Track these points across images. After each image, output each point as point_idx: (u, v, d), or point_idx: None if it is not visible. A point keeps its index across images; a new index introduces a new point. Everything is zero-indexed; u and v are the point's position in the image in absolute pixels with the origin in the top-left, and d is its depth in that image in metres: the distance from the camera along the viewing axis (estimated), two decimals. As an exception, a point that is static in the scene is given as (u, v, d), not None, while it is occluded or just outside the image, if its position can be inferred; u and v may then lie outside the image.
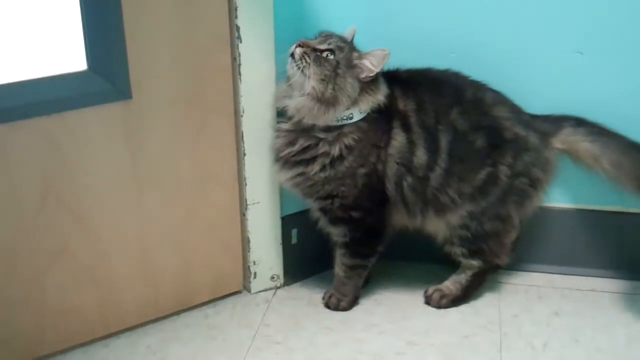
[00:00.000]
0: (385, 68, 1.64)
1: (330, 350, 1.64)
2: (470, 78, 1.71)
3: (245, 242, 1.79)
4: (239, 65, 1.63)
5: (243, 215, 1.76)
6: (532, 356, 1.62)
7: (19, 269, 1.51)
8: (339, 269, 1.75)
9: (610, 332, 1.69)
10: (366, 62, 1.61)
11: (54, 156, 1.47)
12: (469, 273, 1.77)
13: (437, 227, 1.72)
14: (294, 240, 1.85)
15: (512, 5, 1.72)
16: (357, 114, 1.61)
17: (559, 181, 1.79)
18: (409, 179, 1.65)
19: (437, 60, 1.73)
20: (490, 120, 1.67)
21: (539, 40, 1.74)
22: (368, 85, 1.61)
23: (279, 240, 1.82)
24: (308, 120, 1.60)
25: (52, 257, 1.54)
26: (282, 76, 1.66)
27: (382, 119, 1.63)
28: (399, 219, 1.71)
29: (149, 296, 1.69)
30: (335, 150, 1.61)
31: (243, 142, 1.69)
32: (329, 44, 1.60)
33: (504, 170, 1.66)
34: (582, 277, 1.89)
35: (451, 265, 1.79)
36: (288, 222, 1.82)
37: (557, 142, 1.72)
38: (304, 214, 1.78)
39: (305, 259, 1.87)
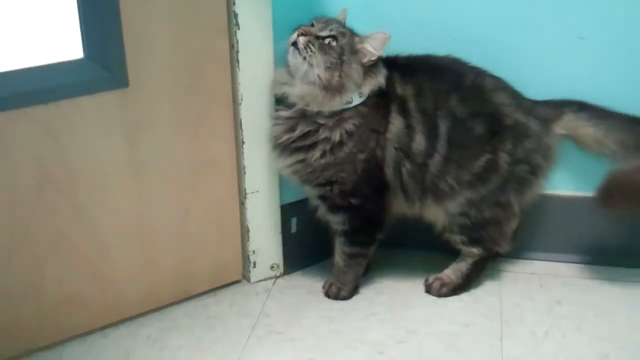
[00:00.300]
0: (385, 54, 1.63)
1: (331, 339, 1.64)
2: (471, 64, 1.70)
3: (244, 231, 1.78)
4: (237, 52, 1.61)
5: (242, 204, 1.75)
6: (533, 345, 1.61)
7: (17, 259, 1.50)
8: (338, 258, 1.74)
9: (612, 320, 1.68)
10: (368, 46, 1.60)
11: (50, 145, 1.46)
12: (470, 261, 1.76)
13: (436, 214, 1.71)
14: (293, 229, 1.84)
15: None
16: (356, 98, 1.60)
17: (560, 168, 1.78)
18: (408, 165, 1.63)
19: (438, 46, 1.72)
20: (489, 107, 1.66)
21: (541, 25, 1.72)
22: (369, 68, 1.61)
23: (279, 229, 1.81)
24: (313, 108, 1.58)
25: (50, 247, 1.53)
26: (279, 62, 1.64)
27: (381, 103, 1.62)
28: (398, 206, 1.70)
29: (148, 286, 1.69)
30: (336, 136, 1.60)
31: (242, 131, 1.68)
32: (331, 30, 1.59)
33: (503, 157, 1.65)
34: (583, 264, 1.88)
35: (452, 253, 1.78)
36: (287, 210, 1.81)
37: (559, 128, 1.71)
38: (303, 202, 1.77)
39: (305, 247, 1.86)
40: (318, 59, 1.55)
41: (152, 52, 1.52)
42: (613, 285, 1.81)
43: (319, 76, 1.55)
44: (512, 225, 1.76)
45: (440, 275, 1.78)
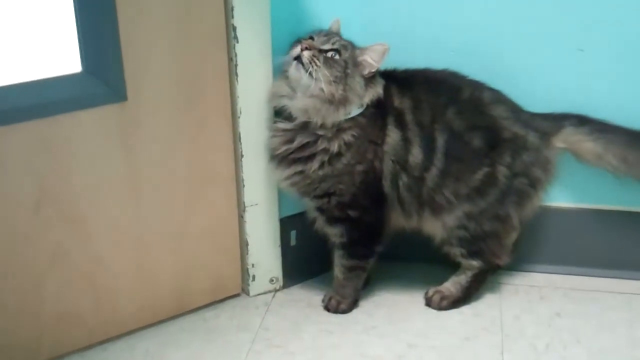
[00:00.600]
0: (383, 67, 1.63)
1: (330, 353, 1.63)
2: (468, 77, 1.70)
3: (243, 245, 1.77)
4: (236, 65, 1.61)
5: (241, 217, 1.75)
6: (534, 358, 1.60)
7: (15, 273, 1.50)
8: (337, 271, 1.74)
9: (612, 333, 1.68)
10: (367, 58, 1.60)
11: (49, 160, 1.46)
12: (469, 274, 1.75)
13: (434, 227, 1.71)
14: (292, 242, 1.83)
15: (512, 2, 1.71)
16: (355, 109, 1.60)
17: (560, 180, 1.78)
18: (405, 178, 1.63)
19: (436, 58, 1.72)
20: (487, 120, 1.65)
21: (540, 37, 1.73)
22: (369, 80, 1.61)
23: (278, 242, 1.81)
24: (316, 120, 1.58)
25: (48, 262, 1.52)
26: (276, 73, 1.64)
27: (379, 115, 1.62)
28: (395, 219, 1.69)
29: (146, 300, 1.68)
30: (334, 147, 1.59)
31: (241, 144, 1.67)
32: (333, 43, 1.59)
33: (502, 171, 1.65)
34: (583, 277, 1.87)
35: (452, 266, 1.77)
36: (287, 223, 1.81)
37: (558, 142, 1.71)
38: (302, 215, 1.77)
39: (304, 260, 1.86)
40: (324, 73, 1.55)
41: (150, 65, 1.52)
42: (613, 297, 1.80)
43: (322, 90, 1.55)
44: (512, 237, 1.76)
45: (440, 288, 1.78)
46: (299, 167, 1.62)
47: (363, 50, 1.61)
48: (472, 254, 1.71)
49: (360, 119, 1.61)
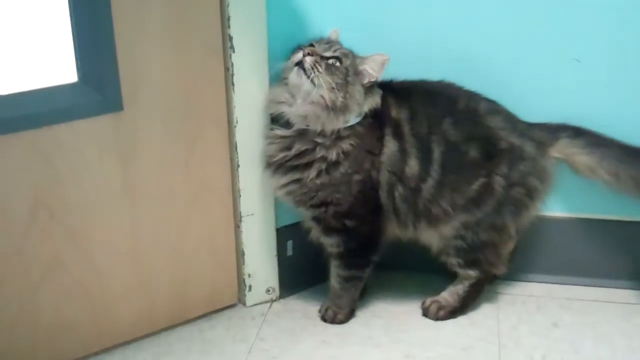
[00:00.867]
0: (380, 78, 1.63)
1: (327, 363, 1.63)
2: (465, 88, 1.70)
3: (239, 255, 1.77)
4: (232, 75, 1.61)
5: (237, 227, 1.74)
6: (531, 368, 1.61)
7: (10, 284, 1.49)
8: (334, 281, 1.73)
9: (610, 343, 1.67)
10: (367, 68, 1.61)
11: (44, 170, 1.46)
12: (467, 283, 1.75)
13: (431, 238, 1.71)
14: (289, 252, 1.83)
15: (508, 11, 1.71)
16: (353, 118, 1.60)
17: (557, 190, 1.78)
18: (401, 189, 1.63)
19: (432, 68, 1.72)
20: (483, 130, 1.66)
21: (536, 47, 1.73)
22: (368, 89, 1.62)
23: (274, 253, 1.80)
24: (315, 127, 1.58)
25: (44, 272, 1.52)
26: (273, 81, 1.64)
27: (376, 125, 1.62)
28: (391, 229, 1.69)
29: (143, 310, 1.67)
30: (332, 155, 1.59)
31: (237, 153, 1.67)
32: (335, 51, 1.59)
33: (498, 181, 1.65)
34: (581, 286, 1.87)
35: (449, 275, 1.77)
36: (283, 233, 1.80)
37: (554, 152, 1.71)
38: (299, 225, 1.77)
39: (301, 271, 1.85)
40: (325, 79, 1.55)
41: (146, 75, 1.52)
42: (610, 306, 1.80)
43: (323, 97, 1.55)
44: (509, 247, 1.76)
45: (437, 298, 1.77)
46: (296, 175, 1.62)
47: (363, 59, 1.61)
48: (469, 264, 1.71)
49: (358, 128, 1.61)
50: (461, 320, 1.76)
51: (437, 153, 1.63)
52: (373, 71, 1.60)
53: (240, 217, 1.72)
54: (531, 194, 1.69)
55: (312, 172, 1.60)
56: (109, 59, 1.47)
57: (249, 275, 1.78)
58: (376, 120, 1.62)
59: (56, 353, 1.58)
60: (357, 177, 1.61)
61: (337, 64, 1.57)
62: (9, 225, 1.46)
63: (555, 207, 1.82)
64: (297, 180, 1.62)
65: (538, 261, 1.88)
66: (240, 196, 1.70)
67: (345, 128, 1.59)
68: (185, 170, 1.63)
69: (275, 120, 1.64)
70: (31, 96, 1.43)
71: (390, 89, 1.66)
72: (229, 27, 1.57)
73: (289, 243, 1.82)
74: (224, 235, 1.73)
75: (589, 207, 1.82)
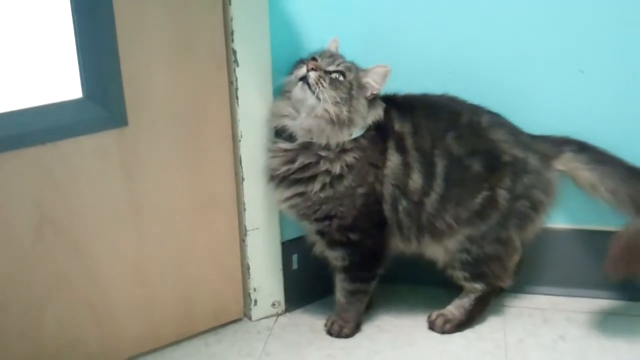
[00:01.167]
0: (383, 92, 1.63)
1: (333, 378, 1.62)
2: (468, 102, 1.70)
3: (245, 269, 1.76)
4: (237, 89, 1.61)
5: (242, 241, 1.74)
6: (538, 381, 1.60)
7: (15, 300, 1.49)
8: (339, 295, 1.73)
9: (617, 356, 1.66)
10: (370, 80, 1.61)
11: (49, 186, 1.46)
12: (473, 297, 1.74)
13: (435, 252, 1.70)
14: (294, 266, 1.83)
15: (512, 23, 1.71)
16: (357, 131, 1.60)
17: (563, 202, 1.77)
18: (404, 203, 1.63)
19: (435, 80, 1.73)
20: (486, 144, 1.65)
21: (540, 58, 1.73)
22: (371, 101, 1.62)
23: (280, 266, 1.80)
24: (320, 141, 1.58)
25: (49, 288, 1.52)
26: (276, 93, 1.65)
27: (380, 138, 1.62)
28: (395, 243, 1.69)
29: (148, 325, 1.67)
30: (337, 169, 1.59)
31: (242, 167, 1.67)
32: (338, 65, 1.59)
33: (502, 194, 1.64)
34: (587, 299, 1.86)
35: (455, 288, 1.76)
36: (288, 247, 1.80)
37: (558, 164, 1.70)
38: (304, 239, 1.76)
39: (306, 284, 1.84)
40: (330, 94, 1.55)
41: (151, 90, 1.52)
42: (617, 319, 1.79)
43: (327, 111, 1.55)
44: (514, 259, 1.75)
45: (443, 311, 1.77)
46: (300, 189, 1.62)
47: (366, 72, 1.62)
48: (475, 277, 1.71)
49: (362, 141, 1.61)
50: (467, 333, 1.75)
51: (440, 167, 1.62)
52: (375, 83, 1.60)
53: (246, 231, 1.72)
54: (536, 207, 1.68)
55: (316, 186, 1.60)
56: (114, 75, 1.47)
57: (255, 289, 1.78)
58: (379, 134, 1.62)
59: (61, 368, 1.58)
60: (361, 190, 1.61)
61: (341, 78, 1.57)
62: (14, 241, 1.46)
63: (561, 219, 1.82)
64: (301, 194, 1.62)
65: (545, 273, 1.87)
66: (245, 210, 1.70)
67: (349, 141, 1.59)
68: (190, 185, 1.63)
69: (279, 133, 1.64)
70: (36, 113, 1.44)
71: (394, 103, 1.66)
72: (232, 41, 1.58)
73: (294, 257, 1.82)
74: (229, 249, 1.73)
75: (595, 219, 1.81)
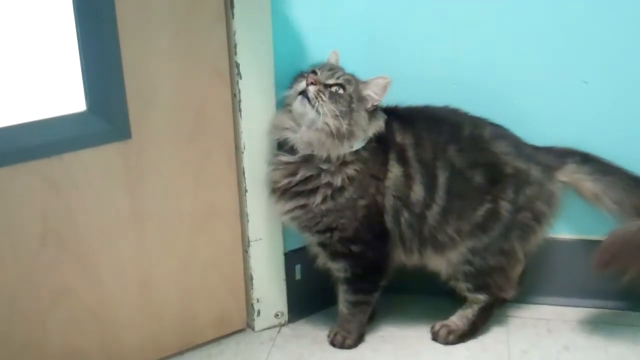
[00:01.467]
0: (385, 104, 1.64)
1: (336, 389, 1.62)
2: (470, 114, 1.70)
3: (248, 280, 1.77)
4: (240, 101, 1.62)
5: (245, 252, 1.75)
6: (541, 393, 1.60)
7: (19, 310, 1.50)
8: (342, 306, 1.73)
9: (621, 367, 1.66)
10: (370, 92, 1.61)
11: (53, 198, 1.47)
12: (476, 307, 1.74)
13: (438, 264, 1.70)
14: (297, 276, 1.83)
15: (515, 34, 1.71)
16: (358, 143, 1.60)
17: (567, 212, 1.77)
18: (406, 215, 1.63)
19: (438, 90, 1.73)
20: (488, 156, 1.65)
21: (544, 69, 1.73)
22: (372, 113, 1.62)
23: (283, 277, 1.80)
24: (321, 154, 1.58)
25: (53, 298, 1.53)
26: (278, 106, 1.65)
27: (381, 150, 1.63)
28: (397, 255, 1.69)
29: (151, 336, 1.68)
30: (338, 181, 1.59)
31: (244, 178, 1.68)
32: (337, 78, 1.59)
33: (504, 206, 1.64)
34: (592, 309, 1.85)
35: (458, 299, 1.76)
36: (291, 258, 1.80)
37: (562, 176, 1.70)
38: (307, 249, 1.76)
39: (309, 295, 1.85)
40: (330, 107, 1.55)
41: (154, 103, 1.53)
42: (621, 329, 1.78)
43: (327, 124, 1.55)
44: (518, 271, 1.75)
45: (446, 322, 1.76)
46: (301, 201, 1.62)
47: (366, 84, 1.62)
48: (478, 288, 1.71)
49: (363, 153, 1.61)
50: (471, 344, 1.75)
51: (442, 179, 1.63)
52: (376, 95, 1.60)
53: (248, 242, 1.73)
54: (538, 218, 1.68)
55: (318, 198, 1.60)
56: (117, 88, 1.48)
57: (258, 300, 1.78)
58: (381, 145, 1.62)
59: (65, 379, 1.59)
60: (362, 202, 1.61)
61: (341, 91, 1.58)
62: (18, 252, 1.47)
63: (565, 229, 1.82)
64: (303, 206, 1.62)
65: (549, 283, 1.87)
66: (248, 221, 1.71)
67: (350, 153, 1.60)
68: (193, 196, 1.64)
69: (280, 146, 1.64)
70: (40, 126, 1.45)
71: (396, 115, 1.66)
72: (235, 54, 1.59)
73: (297, 267, 1.82)
74: (232, 260, 1.74)
75: (599, 229, 1.80)
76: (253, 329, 1.81)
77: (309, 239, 1.70)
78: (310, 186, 1.61)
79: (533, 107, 1.75)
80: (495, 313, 1.79)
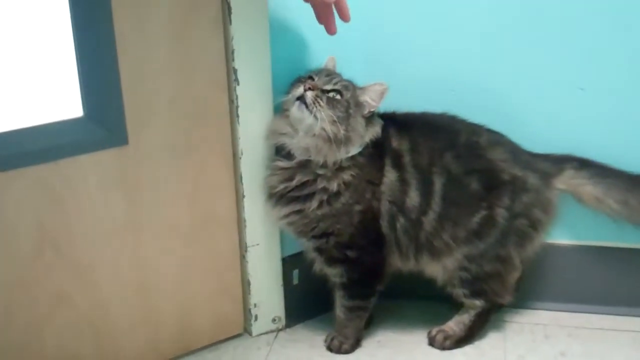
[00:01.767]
0: (382, 110, 1.64)
1: (333, 395, 1.62)
2: (467, 121, 1.70)
3: (245, 285, 1.77)
4: (237, 107, 1.62)
5: (243, 257, 1.75)
6: (538, 399, 1.60)
7: (16, 317, 1.50)
8: (339, 311, 1.73)
9: (618, 373, 1.67)
10: (367, 99, 1.61)
11: (49, 204, 1.47)
12: (472, 313, 1.74)
13: (434, 270, 1.70)
14: (295, 281, 1.83)
15: (512, 41, 1.71)
16: (355, 149, 1.60)
17: (564, 218, 1.77)
18: (402, 220, 1.63)
19: (436, 98, 1.73)
20: (485, 163, 1.65)
21: (540, 77, 1.73)
22: (368, 119, 1.62)
23: (280, 282, 1.80)
24: (318, 159, 1.58)
25: (50, 306, 1.53)
26: (276, 111, 1.65)
27: (377, 155, 1.63)
28: (393, 261, 1.69)
29: (149, 342, 1.68)
30: (334, 186, 1.59)
31: (242, 184, 1.68)
32: (335, 84, 1.59)
33: (501, 213, 1.64)
34: (588, 314, 1.85)
35: (455, 304, 1.76)
36: (289, 263, 1.80)
37: (559, 183, 1.70)
38: (304, 254, 1.76)
39: (307, 300, 1.85)
40: (327, 113, 1.55)
41: (151, 109, 1.53)
42: (619, 335, 1.78)
43: (325, 130, 1.55)
44: (514, 277, 1.75)
45: (443, 327, 1.77)
46: (297, 206, 1.62)
47: (363, 90, 1.62)
48: (475, 294, 1.71)
49: (359, 159, 1.61)
50: (468, 349, 1.75)
51: (438, 185, 1.62)
52: (373, 101, 1.60)
53: (246, 247, 1.73)
54: (535, 225, 1.68)
55: (314, 203, 1.60)
56: (114, 93, 1.48)
57: (255, 305, 1.78)
58: (377, 150, 1.62)
59: (62, 385, 1.59)
60: (358, 207, 1.61)
61: (338, 97, 1.58)
62: (15, 259, 1.47)
63: (562, 234, 1.82)
64: (299, 211, 1.62)
65: (546, 289, 1.87)
66: (245, 227, 1.71)
67: (347, 159, 1.60)
68: (191, 202, 1.64)
69: (277, 151, 1.64)
70: (37, 132, 1.44)
71: (393, 121, 1.66)
72: (233, 60, 1.58)
73: (295, 272, 1.82)
74: (229, 266, 1.74)
75: (597, 235, 1.81)
76: (250, 333, 1.81)
77: (306, 245, 1.70)
78: (306, 191, 1.61)
79: (530, 113, 1.75)
80: (492, 318, 1.79)
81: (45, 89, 1.47)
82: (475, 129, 1.69)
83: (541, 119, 1.74)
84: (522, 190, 1.65)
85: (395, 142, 1.64)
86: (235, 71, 1.59)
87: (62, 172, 1.46)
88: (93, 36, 1.44)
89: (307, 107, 1.56)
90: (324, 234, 1.63)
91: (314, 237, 1.65)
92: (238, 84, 1.60)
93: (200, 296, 1.72)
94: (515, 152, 1.69)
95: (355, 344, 1.75)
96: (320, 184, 1.60)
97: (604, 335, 1.79)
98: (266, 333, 1.82)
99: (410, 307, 1.88)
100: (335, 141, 1.56)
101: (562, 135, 1.74)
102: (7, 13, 1.40)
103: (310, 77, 1.59)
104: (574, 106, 1.72)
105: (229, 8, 1.55)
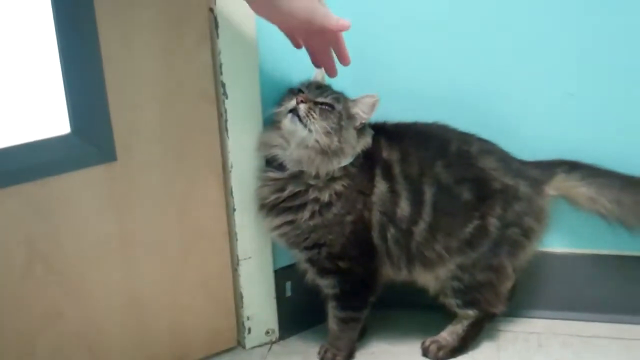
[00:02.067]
0: (373, 120, 1.64)
1: (326, 408, 1.62)
2: (458, 130, 1.69)
3: (238, 298, 1.76)
4: (226, 121, 1.62)
5: (235, 270, 1.74)
6: (532, 409, 1.59)
7: (7, 336, 1.49)
8: (332, 322, 1.72)
9: (613, 381, 1.66)
10: (358, 111, 1.61)
11: (38, 222, 1.46)
12: (466, 323, 1.74)
13: (426, 280, 1.70)
14: (288, 293, 1.82)
15: (500, 48, 1.71)
16: (346, 160, 1.60)
17: (557, 225, 1.77)
18: (392, 230, 1.63)
19: (426, 108, 1.72)
20: (476, 172, 1.65)
21: (529, 83, 1.72)
22: (359, 130, 1.62)
23: (273, 294, 1.80)
24: (311, 171, 1.58)
25: (41, 323, 1.52)
26: (266, 122, 1.65)
27: (367, 165, 1.62)
28: (385, 271, 1.68)
29: (141, 357, 1.67)
30: (325, 197, 1.59)
31: (232, 198, 1.67)
32: (326, 96, 1.59)
33: (493, 222, 1.64)
34: (582, 322, 1.85)
35: (448, 313, 1.75)
36: (281, 275, 1.80)
37: (551, 189, 1.70)
38: (297, 266, 1.76)
39: (300, 311, 1.84)
40: (321, 125, 1.55)
41: (139, 124, 1.53)
42: (613, 343, 1.78)
43: (318, 141, 1.55)
44: (507, 286, 1.74)
45: (437, 337, 1.76)
46: (289, 217, 1.62)
47: (355, 102, 1.62)
48: (468, 304, 1.70)
49: (350, 169, 1.61)
50: (462, 359, 1.74)
51: (428, 195, 1.62)
52: (364, 113, 1.60)
53: (238, 260, 1.72)
54: (527, 234, 1.67)
55: (305, 214, 1.60)
56: (101, 109, 1.47)
57: (248, 318, 1.78)
58: (368, 161, 1.62)
59: (54, 403, 1.59)
60: (349, 217, 1.61)
61: (330, 109, 1.58)
62: (5, 277, 1.46)
63: (556, 242, 1.81)
64: (290, 222, 1.62)
65: (540, 297, 1.87)
66: (237, 240, 1.70)
67: (339, 169, 1.60)
68: (181, 216, 1.63)
69: (269, 162, 1.64)
70: (24, 149, 1.43)
71: (384, 131, 1.66)
72: (221, 73, 1.58)
73: (288, 284, 1.82)
74: (221, 279, 1.73)
75: (591, 242, 1.81)
76: (244, 346, 1.80)
77: (298, 256, 1.70)
78: (297, 202, 1.61)
79: (519, 120, 1.74)
80: (487, 327, 1.79)
81: (31, 106, 1.46)
82: (466, 138, 1.68)
83: (530, 125, 1.74)
84: (514, 198, 1.65)
85: (385, 153, 1.64)
86: (223, 85, 1.59)
87: (50, 190, 1.46)
88: (79, 52, 1.44)
89: (300, 119, 1.56)
90: (316, 245, 1.63)
91: (305, 248, 1.64)
92: (227, 98, 1.60)
93: (193, 310, 1.71)
94: (506, 160, 1.68)
95: (349, 356, 1.75)
96: (312, 195, 1.60)
97: (596, 343, 1.78)
98: (260, 346, 1.81)
99: (404, 317, 1.88)
100: (328, 153, 1.56)
101: (552, 141, 1.73)
102: (-7, 31, 1.40)
103: (300, 90, 1.59)
104: (563, 111, 1.72)
105: (216, 22, 1.54)
